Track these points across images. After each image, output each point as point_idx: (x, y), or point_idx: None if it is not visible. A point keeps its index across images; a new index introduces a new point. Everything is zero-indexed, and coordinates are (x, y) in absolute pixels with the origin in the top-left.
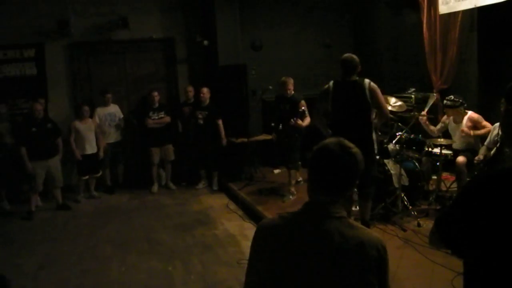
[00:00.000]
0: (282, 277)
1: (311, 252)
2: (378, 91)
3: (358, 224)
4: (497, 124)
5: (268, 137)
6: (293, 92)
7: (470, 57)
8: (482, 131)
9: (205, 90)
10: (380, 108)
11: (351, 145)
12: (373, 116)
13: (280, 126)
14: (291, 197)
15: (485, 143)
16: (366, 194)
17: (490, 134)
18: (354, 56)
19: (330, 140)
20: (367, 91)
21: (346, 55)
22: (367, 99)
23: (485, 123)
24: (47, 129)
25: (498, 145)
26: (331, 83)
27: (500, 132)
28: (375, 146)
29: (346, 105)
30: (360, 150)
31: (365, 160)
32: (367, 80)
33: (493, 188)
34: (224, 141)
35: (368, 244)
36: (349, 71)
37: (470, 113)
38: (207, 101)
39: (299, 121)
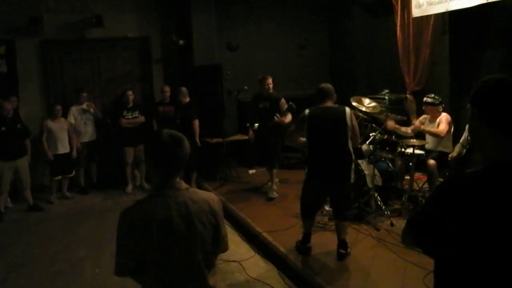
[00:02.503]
0: (162, 258)
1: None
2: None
3: (196, 190)
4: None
5: (244, 137)
6: (271, 89)
7: (442, 59)
8: (432, 130)
9: (183, 89)
10: (356, 135)
11: (180, 135)
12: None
13: (256, 126)
14: (275, 194)
15: (460, 140)
16: (343, 216)
17: (464, 132)
18: (330, 85)
19: (163, 131)
20: (348, 119)
21: (324, 84)
22: (347, 127)
23: (443, 125)
24: (16, 129)
25: (467, 146)
26: (306, 111)
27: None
28: (352, 175)
29: (324, 133)
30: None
31: (343, 186)
32: (347, 108)
33: (462, 191)
34: (197, 142)
35: (212, 203)
36: (328, 99)
37: (444, 114)
38: (185, 100)
39: (283, 118)
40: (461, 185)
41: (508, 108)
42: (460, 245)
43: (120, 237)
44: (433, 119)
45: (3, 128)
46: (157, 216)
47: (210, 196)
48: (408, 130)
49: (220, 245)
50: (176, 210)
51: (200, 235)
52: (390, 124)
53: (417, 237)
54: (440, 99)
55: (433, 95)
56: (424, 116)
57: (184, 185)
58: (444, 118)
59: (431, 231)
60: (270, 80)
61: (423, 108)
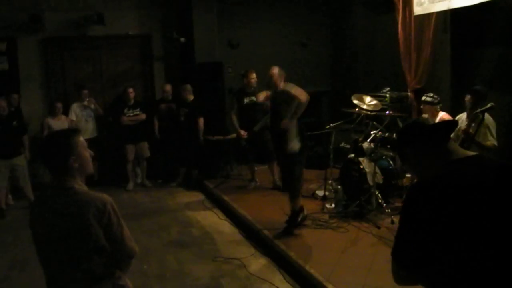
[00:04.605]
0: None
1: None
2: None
3: (83, 191)
4: (461, 116)
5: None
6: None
7: (443, 58)
8: None
9: (187, 87)
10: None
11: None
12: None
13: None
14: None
15: (452, 135)
16: (288, 190)
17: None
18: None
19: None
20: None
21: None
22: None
23: None
24: (12, 127)
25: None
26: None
27: (461, 126)
28: (293, 148)
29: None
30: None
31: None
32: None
33: (427, 198)
34: (201, 139)
35: (90, 204)
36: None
37: (443, 114)
38: (190, 98)
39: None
40: (433, 190)
41: (416, 131)
42: (447, 255)
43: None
44: (431, 120)
45: None
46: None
47: (87, 199)
48: None
49: (105, 252)
50: (47, 209)
51: (61, 239)
52: None
53: (405, 265)
54: (438, 99)
55: (432, 94)
56: (423, 116)
57: (67, 184)
58: (445, 116)
59: (416, 252)
60: (254, 75)
61: (421, 107)
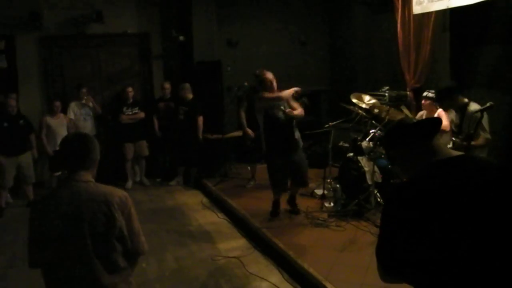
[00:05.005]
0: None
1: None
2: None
3: (102, 185)
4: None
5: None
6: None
7: (442, 57)
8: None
9: (186, 85)
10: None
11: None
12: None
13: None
14: None
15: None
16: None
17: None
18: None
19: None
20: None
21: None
22: None
23: (445, 120)
24: (19, 125)
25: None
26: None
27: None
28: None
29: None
30: None
31: None
32: None
33: (402, 200)
34: (200, 138)
35: (114, 194)
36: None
37: (439, 110)
38: (189, 96)
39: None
40: (409, 191)
41: (399, 133)
42: (429, 255)
43: (32, 230)
44: (429, 115)
45: (5, 124)
46: (59, 208)
47: (110, 190)
48: None
49: (126, 242)
50: (68, 198)
51: (86, 221)
52: None
53: (388, 267)
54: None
55: (433, 91)
56: (420, 114)
57: (85, 178)
58: (442, 113)
59: (398, 252)
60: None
61: (422, 102)
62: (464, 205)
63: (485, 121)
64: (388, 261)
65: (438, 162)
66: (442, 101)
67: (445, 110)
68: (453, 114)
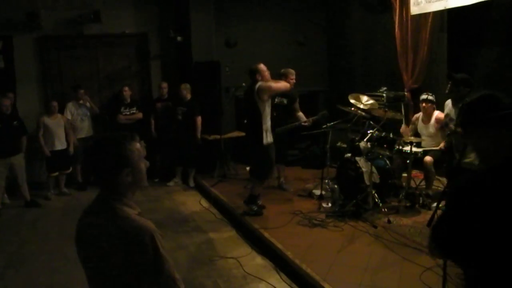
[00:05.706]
0: None
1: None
2: (265, 86)
3: (124, 216)
4: (448, 102)
5: (242, 134)
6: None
7: (440, 57)
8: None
9: (186, 85)
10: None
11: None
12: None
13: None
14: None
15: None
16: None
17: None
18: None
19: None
20: (255, 94)
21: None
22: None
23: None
24: (13, 126)
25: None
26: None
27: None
28: (264, 139)
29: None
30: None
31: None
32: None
33: (486, 187)
34: (199, 138)
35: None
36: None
37: (437, 113)
38: (188, 97)
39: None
40: (482, 182)
41: (487, 108)
42: (488, 247)
43: None
44: (427, 118)
45: None
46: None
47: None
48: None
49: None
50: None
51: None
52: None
53: (442, 244)
54: (434, 97)
55: (431, 93)
56: (415, 116)
57: (114, 204)
58: (440, 115)
59: (456, 236)
60: (292, 77)
61: (423, 105)
62: None
63: None
64: (444, 239)
65: None
66: (457, 86)
67: (448, 95)
68: (448, 108)
